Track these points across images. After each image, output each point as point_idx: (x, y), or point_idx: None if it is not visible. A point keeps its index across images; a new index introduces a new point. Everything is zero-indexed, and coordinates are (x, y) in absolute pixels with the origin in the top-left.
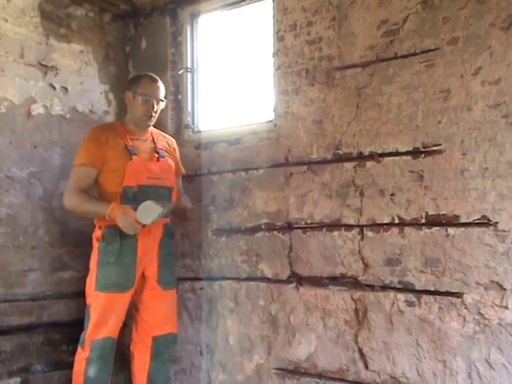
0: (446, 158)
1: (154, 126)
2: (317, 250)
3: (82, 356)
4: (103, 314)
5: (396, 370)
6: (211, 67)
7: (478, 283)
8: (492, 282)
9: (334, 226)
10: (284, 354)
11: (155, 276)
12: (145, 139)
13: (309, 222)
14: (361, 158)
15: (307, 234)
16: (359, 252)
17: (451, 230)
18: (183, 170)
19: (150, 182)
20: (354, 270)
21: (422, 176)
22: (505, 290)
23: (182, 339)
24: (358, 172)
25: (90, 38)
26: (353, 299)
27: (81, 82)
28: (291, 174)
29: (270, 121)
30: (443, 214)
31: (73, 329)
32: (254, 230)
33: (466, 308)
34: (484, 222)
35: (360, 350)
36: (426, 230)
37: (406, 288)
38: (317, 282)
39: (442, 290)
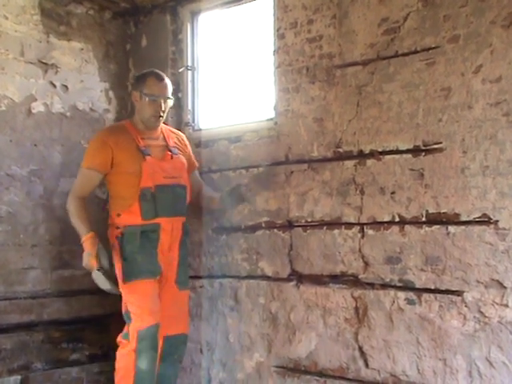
0: (447, 156)
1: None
2: (317, 248)
3: (128, 348)
4: (141, 302)
5: (396, 368)
6: (212, 65)
7: (478, 281)
8: (492, 280)
9: (335, 224)
10: (284, 352)
11: (174, 276)
12: (156, 138)
13: (309, 220)
14: (361, 156)
15: (307, 232)
16: (359, 250)
17: (452, 229)
18: (197, 164)
19: (166, 181)
20: (354, 268)
21: (422, 174)
22: (505, 288)
23: None
24: (358, 170)
25: (91, 36)
26: (353, 297)
27: (81, 79)
28: (292, 172)
29: (271, 119)
30: (444, 213)
31: (73, 327)
32: (255, 228)
33: (466, 306)
34: (484, 220)
35: (360, 348)
36: (427, 228)
37: (407, 286)
38: (317, 280)
39: (443, 288)
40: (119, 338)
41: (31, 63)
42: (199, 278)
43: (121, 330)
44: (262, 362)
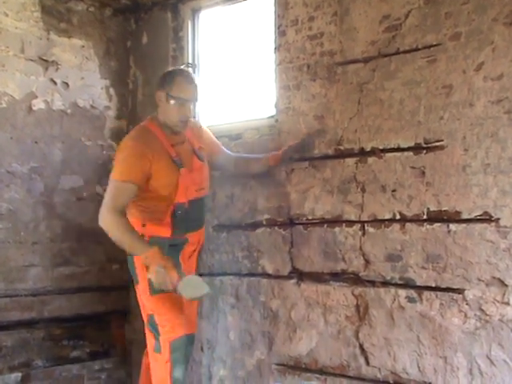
0: (448, 154)
1: None
2: (318, 245)
3: (162, 360)
4: (170, 314)
5: (397, 365)
6: (212, 62)
7: (479, 279)
8: (493, 278)
9: (336, 221)
10: (285, 349)
11: None
12: (182, 141)
13: (310, 217)
14: (362, 153)
15: (308, 229)
16: (360, 248)
17: (453, 226)
18: (219, 143)
19: (197, 194)
20: (355, 265)
21: (423, 172)
22: (506, 286)
23: None
24: (359, 168)
25: (91, 33)
26: (354, 295)
27: (82, 77)
28: (292, 170)
29: (272, 116)
30: (445, 210)
31: (74, 324)
32: (255, 225)
33: (467, 304)
34: (486, 218)
35: (361, 346)
36: (428, 226)
37: (407, 284)
38: (318, 277)
39: (444, 286)
40: (150, 352)
41: (31, 60)
42: (200, 275)
43: (121, 328)
44: (263, 359)
